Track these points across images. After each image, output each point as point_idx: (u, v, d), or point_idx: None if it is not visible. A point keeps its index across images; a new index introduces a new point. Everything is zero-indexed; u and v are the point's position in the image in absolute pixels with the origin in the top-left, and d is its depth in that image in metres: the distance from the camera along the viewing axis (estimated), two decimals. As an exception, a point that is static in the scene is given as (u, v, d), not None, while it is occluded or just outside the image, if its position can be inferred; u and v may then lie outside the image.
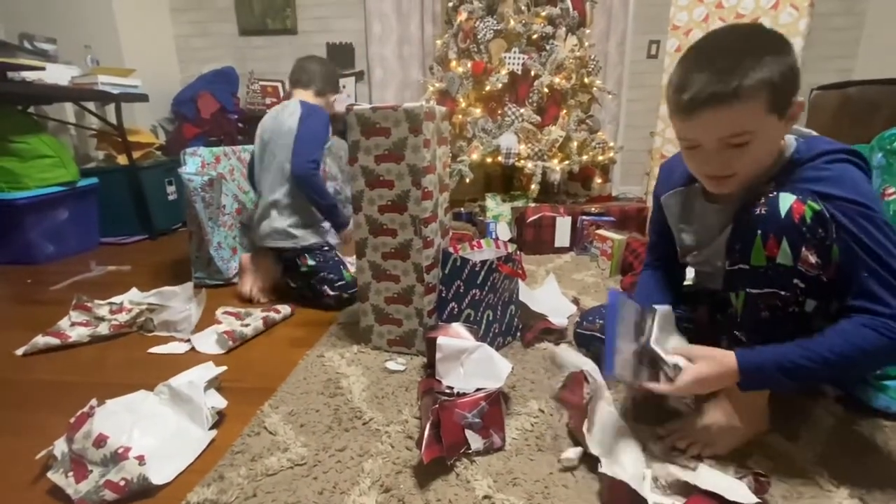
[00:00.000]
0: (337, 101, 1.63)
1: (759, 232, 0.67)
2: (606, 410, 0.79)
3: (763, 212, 0.67)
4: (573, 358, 0.91)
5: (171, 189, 2.53)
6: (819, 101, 1.99)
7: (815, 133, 0.78)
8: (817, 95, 2.02)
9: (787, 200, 0.66)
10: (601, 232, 1.74)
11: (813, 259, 0.66)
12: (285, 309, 1.36)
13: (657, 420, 0.84)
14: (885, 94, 1.75)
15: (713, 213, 0.83)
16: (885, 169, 1.04)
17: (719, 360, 0.71)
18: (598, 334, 0.98)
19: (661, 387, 0.73)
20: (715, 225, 0.82)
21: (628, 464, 0.71)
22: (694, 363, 0.71)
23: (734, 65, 0.65)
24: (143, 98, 2.43)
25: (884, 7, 2.70)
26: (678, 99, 0.69)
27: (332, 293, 1.39)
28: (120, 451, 0.73)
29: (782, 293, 0.68)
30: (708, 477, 0.67)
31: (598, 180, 2.46)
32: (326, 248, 1.45)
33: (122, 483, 0.70)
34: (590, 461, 0.74)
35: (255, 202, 1.54)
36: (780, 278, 0.68)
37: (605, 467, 0.68)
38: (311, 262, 1.40)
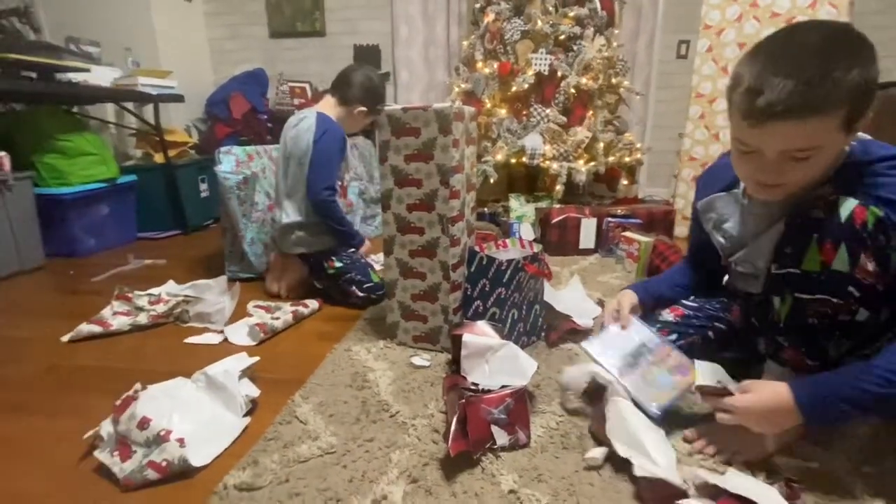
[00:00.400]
0: (363, 115, 1.52)
1: (816, 236, 0.65)
2: (623, 404, 0.79)
3: (822, 216, 0.65)
4: (577, 372, 0.90)
5: (203, 186, 2.62)
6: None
7: (867, 136, 0.74)
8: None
9: (849, 205, 0.63)
10: (627, 234, 1.72)
11: (871, 267, 0.63)
12: (313, 304, 1.40)
13: (684, 422, 0.83)
14: (931, 94, 1.68)
15: (756, 212, 0.81)
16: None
17: (772, 389, 0.68)
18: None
19: (723, 404, 0.71)
20: (758, 224, 0.80)
21: (659, 457, 0.70)
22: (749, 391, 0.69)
23: (823, 75, 0.59)
24: (179, 99, 2.52)
25: (930, 4, 2.59)
26: (751, 102, 0.63)
27: (360, 294, 1.41)
28: (162, 433, 0.77)
29: (834, 300, 0.65)
30: (737, 481, 0.66)
31: (625, 182, 2.43)
32: (353, 249, 1.48)
33: (164, 464, 0.74)
34: (615, 461, 0.74)
35: (271, 203, 1.59)
36: (833, 285, 0.65)
37: (640, 469, 0.67)
38: (338, 264, 1.43)
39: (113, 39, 2.67)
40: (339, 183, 1.52)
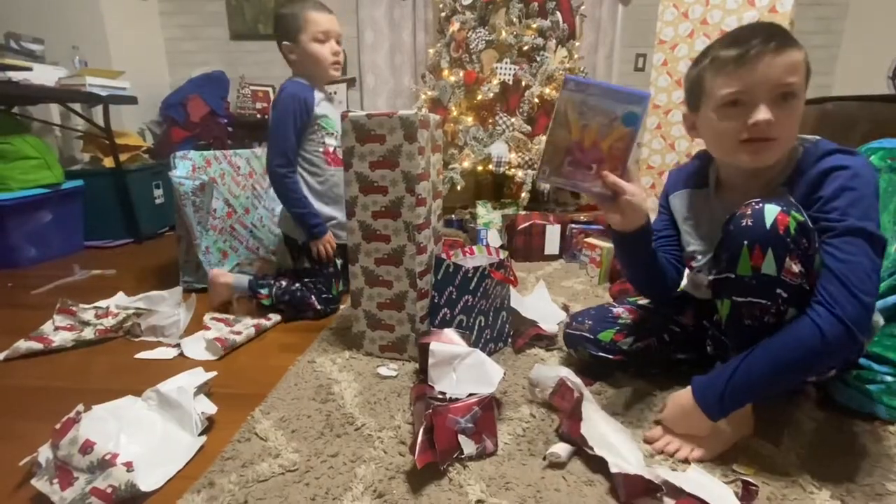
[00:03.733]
0: (298, 50, 1.36)
1: (746, 242, 0.69)
2: (592, 409, 0.80)
3: (749, 223, 0.69)
4: (548, 371, 0.92)
5: (158, 192, 2.50)
6: (799, 116, 2.06)
7: (819, 138, 0.80)
8: (797, 110, 2.08)
9: (772, 212, 0.67)
10: (590, 240, 1.77)
11: (796, 269, 0.67)
12: (275, 317, 1.35)
13: (642, 420, 0.86)
14: (863, 108, 1.82)
15: (718, 217, 0.82)
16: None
17: (681, 394, 0.79)
18: (587, 335, 1.00)
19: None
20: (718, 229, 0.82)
21: (631, 457, 0.72)
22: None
23: (782, 30, 0.72)
24: (131, 100, 2.41)
25: (859, 25, 2.81)
26: (738, 50, 0.71)
27: (318, 306, 1.36)
28: (107, 457, 0.72)
29: (764, 302, 0.70)
30: (696, 480, 0.68)
31: (587, 189, 2.50)
32: (313, 237, 1.40)
33: (110, 490, 0.69)
34: (581, 464, 0.75)
35: (230, 210, 1.58)
36: (763, 288, 0.69)
37: (615, 466, 0.69)
38: (307, 265, 1.38)
39: (58, 37, 2.52)
40: (324, 149, 1.40)
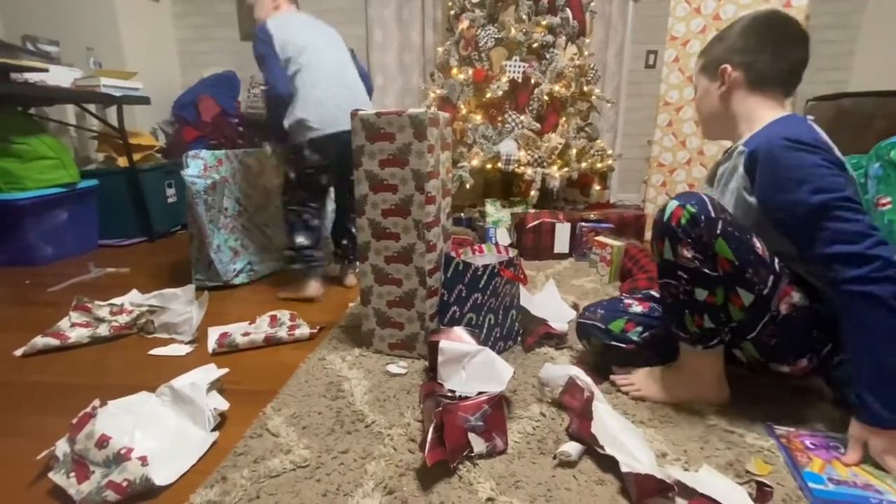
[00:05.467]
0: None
1: (656, 234, 0.84)
2: (603, 409, 0.80)
3: (658, 217, 0.83)
4: (558, 370, 0.92)
5: (170, 191, 2.53)
6: (814, 113, 2.02)
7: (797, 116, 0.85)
8: (812, 107, 2.05)
9: (671, 206, 0.80)
10: (600, 238, 1.75)
11: (688, 254, 0.78)
12: (303, 332, 1.23)
13: (654, 420, 0.85)
14: (879, 105, 1.79)
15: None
16: (882, 179, 1.06)
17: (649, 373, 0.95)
18: (599, 324, 1.03)
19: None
20: None
21: (643, 456, 0.71)
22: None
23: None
24: (144, 101, 2.44)
25: (878, 20, 2.76)
26: None
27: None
28: (122, 451, 0.73)
29: (671, 282, 0.83)
30: (708, 480, 0.68)
31: (597, 187, 2.48)
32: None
33: (125, 484, 0.70)
34: (592, 464, 0.75)
35: (241, 209, 1.71)
36: (668, 271, 0.83)
37: (626, 466, 0.69)
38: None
39: (74, 39, 2.57)
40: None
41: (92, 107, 2.44)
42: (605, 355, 1.03)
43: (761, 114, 0.86)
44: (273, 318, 1.30)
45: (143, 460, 0.72)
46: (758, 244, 0.78)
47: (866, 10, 2.80)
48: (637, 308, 1.03)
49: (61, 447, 0.76)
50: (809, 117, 0.84)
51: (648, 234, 2.18)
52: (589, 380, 0.87)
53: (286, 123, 1.46)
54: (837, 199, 0.70)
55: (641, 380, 0.94)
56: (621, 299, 1.07)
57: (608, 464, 0.73)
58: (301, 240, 1.52)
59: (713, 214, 0.77)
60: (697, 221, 0.77)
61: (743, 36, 0.86)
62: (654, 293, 1.06)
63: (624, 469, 0.69)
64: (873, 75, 2.72)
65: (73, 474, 0.72)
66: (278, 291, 1.57)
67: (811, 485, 0.69)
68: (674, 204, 0.80)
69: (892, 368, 0.67)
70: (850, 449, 0.73)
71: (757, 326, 0.81)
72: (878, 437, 0.70)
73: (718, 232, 0.76)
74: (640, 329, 1.00)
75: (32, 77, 1.99)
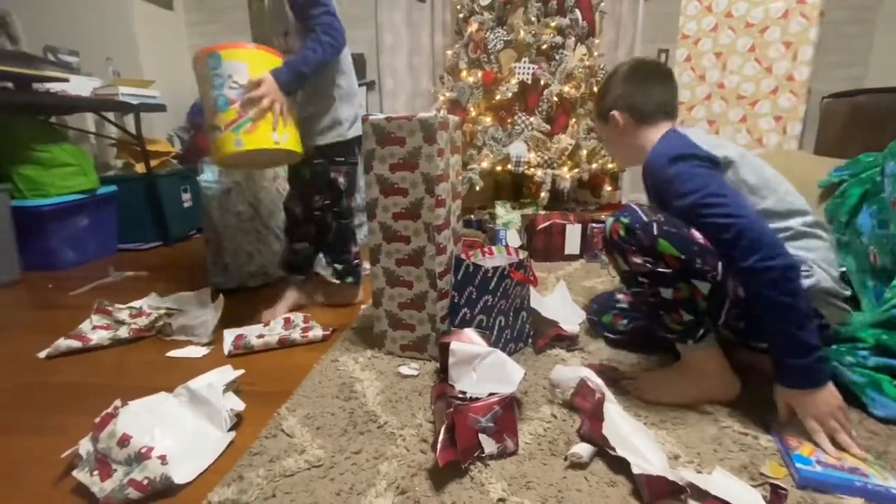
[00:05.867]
0: None
1: (607, 251, 0.92)
2: (614, 410, 0.80)
3: (605, 235, 0.91)
4: (569, 372, 0.92)
5: (186, 196, 2.58)
6: (830, 110, 1.99)
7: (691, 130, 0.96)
8: (828, 104, 2.01)
9: (609, 223, 0.88)
10: (611, 239, 1.75)
11: (639, 260, 0.84)
12: (316, 333, 1.26)
13: (665, 422, 0.85)
14: (897, 101, 1.75)
15: None
16: (897, 177, 1.04)
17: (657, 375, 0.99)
18: (594, 317, 1.21)
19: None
20: None
21: (654, 458, 0.71)
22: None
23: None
24: (161, 108, 2.49)
25: (894, 15, 2.70)
26: None
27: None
28: (143, 450, 0.75)
29: (638, 290, 0.88)
30: (721, 482, 0.67)
31: (608, 188, 2.47)
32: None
33: (146, 482, 0.72)
34: (603, 465, 0.75)
35: (254, 213, 1.62)
36: (631, 280, 0.89)
37: (637, 467, 0.69)
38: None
39: (93, 49, 2.63)
40: None
41: (111, 115, 2.50)
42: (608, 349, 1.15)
43: (650, 140, 0.96)
44: (287, 320, 1.32)
45: (163, 459, 0.74)
46: (697, 234, 0.82)
47: (883, 5, 2.75)
48: (623, 302, 1.19)
49: (85, 446, 0.78)
50: (683, 129, 0.96)
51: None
52: (600, 381, 0.87)
53: (345, 115, 1.33)
54: (702, 195, 0.81)
55: (649, 384, 0.95)
56: (614, 294, 1.23)
57: (620, 465, 0.73)
58: (355, 250, 1.47)
59: (646, 219, 0.83)
60: (633, 230, 0.83)
61: (620, 84, 1.01)
62: None
63: (635, 471, 0.69)
64: (891, 71, 2.67)
65: (96, 472, 0.75)
66: (315, 296, 1.51)
67: (798, 465, 0.71)
68: (610, 220, 0.88)
69: (794, 337, 0.75)
70: (781, 411, 0.81)
71: (721, 313, 0.86)
72: (806, 397, 0.77)
73: (656, 233, 0.82)
74: (625, 321, 1.14)
75: (54, 87, 2.06)
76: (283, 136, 1.17)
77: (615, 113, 1.01)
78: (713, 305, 0.85)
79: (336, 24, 1.24)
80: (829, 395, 0.76)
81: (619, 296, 1.21)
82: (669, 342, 0.92)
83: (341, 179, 1.37)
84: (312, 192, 1.37)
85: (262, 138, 1.13)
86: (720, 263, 0.81)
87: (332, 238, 1.43)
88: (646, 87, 0.99)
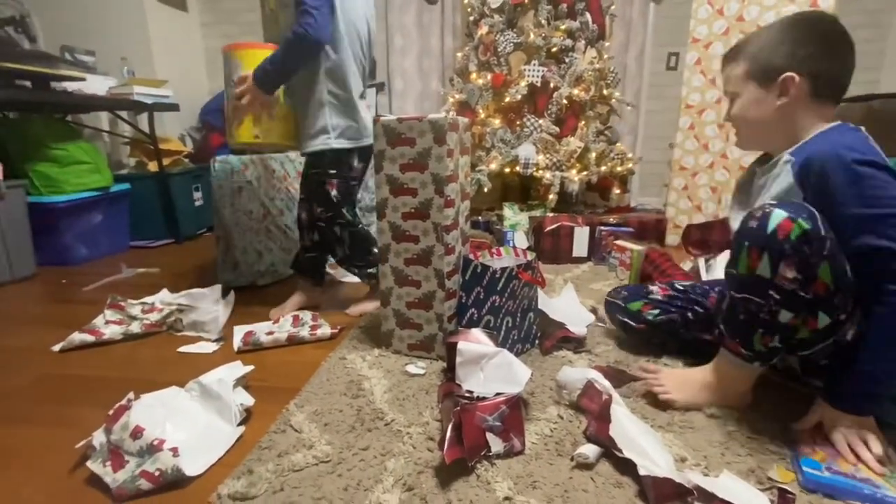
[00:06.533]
0: None
1: (747, 243, 0.74)
2: (622, 412, 0.80)
3: (754, 225, 0.73)
4: (576, 374, 0.92)
5: (197, 195, 2.61)
6: (843, 114, 1.97)
7: (853, 128, 0.82)
8: (842, 108, 1.99)
9: (777, 217, 0.70)
10: (619, 242, 1.74)
11: (790, 274, 0.70)
12: (324, 331, 1.26)
13: (672, 424, 0.84)
14: (912, 107, 1.73)
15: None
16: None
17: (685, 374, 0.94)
18: (619, 302, 1.15)
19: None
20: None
21: (661, 460, 0.71)
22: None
23: (739, 45, 0.89)
24: (174, 107, 2.53)
25: (910, 19, 2.67)
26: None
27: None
28: (155, 442, 0.76)
29: (757, 300, 0.75)
30: (729, 486, 0.67)
31: (617, 191, 2.47)
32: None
33: (157, 473, 0.74)
34: (609, 466, 0.75)
35: (265, 211, 1.60)
36: (757, 287, 0.74)
37: (643, 469, 0.69)
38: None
39: (108, 48, 2.68)
40: None
41: (124, 113, 2.54)
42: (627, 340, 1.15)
43: (813, 124, 0.82)
44: (296, 318, 1.34)
45: (175, 451, 0.76)
46: (849, 269, 0.72)
47: (899, 9, 2.72)
48: (657, 294, 1.11)
49: (98, 437, 0.80)
50: (860, 127, 0.81)
51: (670, 239, 2.16)
52: (607, 383, 0.87)
53: (334, 122, 1.29)
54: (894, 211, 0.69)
55: (670, 382, 0.92)
56: (648, 286, 1.15)
57: (626, 467, 0.73)
58: (376, 251, 1.32)
59: (823, 233, 0.69)
60: (809, 239, 0.68)
61: (804, 43, 0.79)
62: (678, 283, 1.12)
63: (642, 472, 0.69)
64: (907, 75, 2.63)
65: (108, 463, 0.76)
66: (345, 309, 1.44)
67: (805, 468, 0.70)
68: (781, 214, 0.70)
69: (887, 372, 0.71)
70: (808, 421, 0.79)
71: (816, 347, 0.78)
72: (844, 419, 0.74)
73: (826, 253, 0.69)
74: (655, 312, 1.08)
75: (71, 86, 2.09)
76: (265, 130, 1.27)
77: (794, 77, 0.79)
78: (816, 339, 0.77)
79: (315, 15, 1.13)
80: (871, 422, 0.75)
81: (653, 287, 1.13)
82: (695, 345, 0.93)
83: (334, 192, 1.33)
84: (312, 201, 1.37)
85: (245, 133, 1.26)
86: (851, 303, 0.73)
87: (350, 248, 1.40)
88: (839, 54, 0.80)
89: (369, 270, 1.43)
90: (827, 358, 0.80)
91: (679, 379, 0.93)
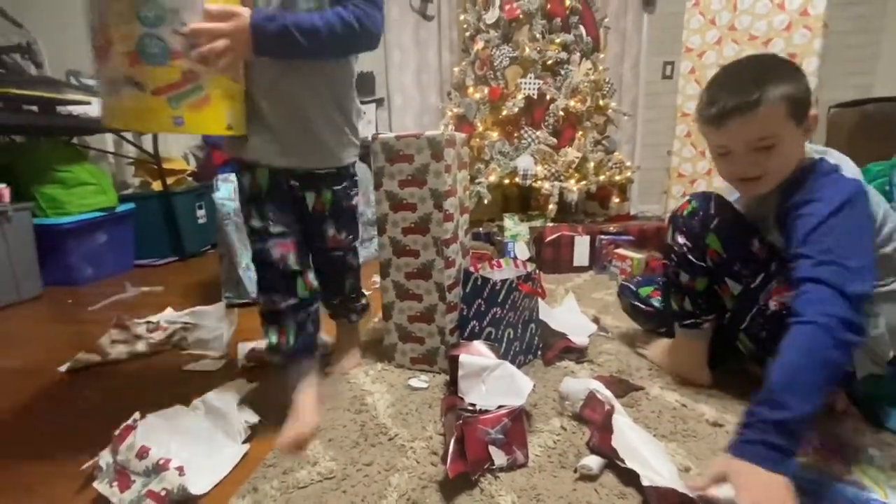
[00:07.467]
0: None
1: (670, 220, 0.98)
2: (624, 422, 0.80)
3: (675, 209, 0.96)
4: (578, 384, 0.93)
5: (200, 213, 2.64)
6: (837, 119, 1.99)
7: (830, 151, 0.83)
8: (835, 113, 2.02)
9: (684, 200, 0.94)
10: (620, 251, 1.75)
11: (681, 240, 0.93)
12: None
13: (675, 433, 0.85)
14: (906, 110, 1.75)
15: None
16: (905, 187, 1.04)
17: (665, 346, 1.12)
18: (632, 286, 1.26)
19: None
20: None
21: (664, 470, 0.71)
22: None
23: (756, 83, 0.75)
24: (177, 128, 2.56)
25: (902, 24, 2.70)
26: (707, 113, 0.80)
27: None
28: (161, 462, 0.77)
29: (666, 262, 0.99)
30: (731, 495, 0.67)
31: (616, 199, 2.48)
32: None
33: (163, 493, 0.74)
34: (613, 477, 0.75)
35: None
36: (665, 252, 0.99)
37: (646, 479, 0.69)
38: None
39: (112, 72, 2.73)
40: None
41: (129, 134, 2.58)
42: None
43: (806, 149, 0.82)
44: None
45: (180, 470, 0.76)
46: (756, 245, 0.86)
47: (887, 13, 2.75)
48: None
49: (104, 457, 0.81)
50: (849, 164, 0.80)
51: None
52: (609, 393, 0.87)
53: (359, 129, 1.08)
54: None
55: (653, 345, 1.13)
56: (660, 275, 1.21)
57: (629, 477, 0.74)
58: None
59: (712, 211, 0.89)
60: (695, 214, 0.91)
61: (796, 76, 0.77)
62: None
63: (645, 483, 0.69)
64: (900, 79, 2.66)
65: (115, 483, 0.77)
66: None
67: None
68: (687, 198, 0.95)
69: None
70: (705, 478, 0.64)
71: (746, 317, 0.89)
72: (755, 476, 0.58)
73: (712, 227, 0.88)
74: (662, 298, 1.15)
75: (76, 110, 2.14)
76: (237, 116, 0.83)
77: (816, 112, 0.80)
78: (739, 307, 0.90)
79: (380, 14, 0.89)
80: (786, 487, 0.58)
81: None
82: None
83: (361, 207, 1.09)
84: (328, 227, 1.05)
85: (214, 120, 0.78)
86: (762, 276, 0.85)
87: (354, 279, 1.17)
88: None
89: (361, 303, 1.21)
90: (764, 329, 0.87)
91: (661, 344, 1.12)
